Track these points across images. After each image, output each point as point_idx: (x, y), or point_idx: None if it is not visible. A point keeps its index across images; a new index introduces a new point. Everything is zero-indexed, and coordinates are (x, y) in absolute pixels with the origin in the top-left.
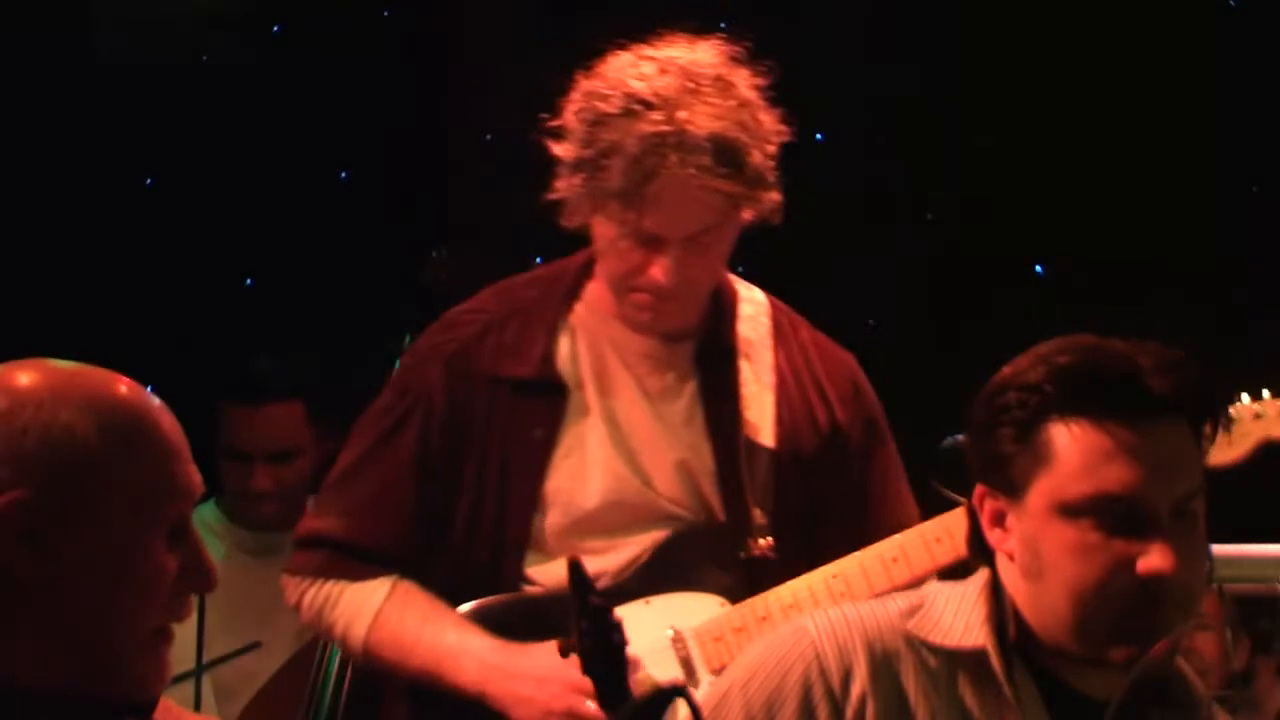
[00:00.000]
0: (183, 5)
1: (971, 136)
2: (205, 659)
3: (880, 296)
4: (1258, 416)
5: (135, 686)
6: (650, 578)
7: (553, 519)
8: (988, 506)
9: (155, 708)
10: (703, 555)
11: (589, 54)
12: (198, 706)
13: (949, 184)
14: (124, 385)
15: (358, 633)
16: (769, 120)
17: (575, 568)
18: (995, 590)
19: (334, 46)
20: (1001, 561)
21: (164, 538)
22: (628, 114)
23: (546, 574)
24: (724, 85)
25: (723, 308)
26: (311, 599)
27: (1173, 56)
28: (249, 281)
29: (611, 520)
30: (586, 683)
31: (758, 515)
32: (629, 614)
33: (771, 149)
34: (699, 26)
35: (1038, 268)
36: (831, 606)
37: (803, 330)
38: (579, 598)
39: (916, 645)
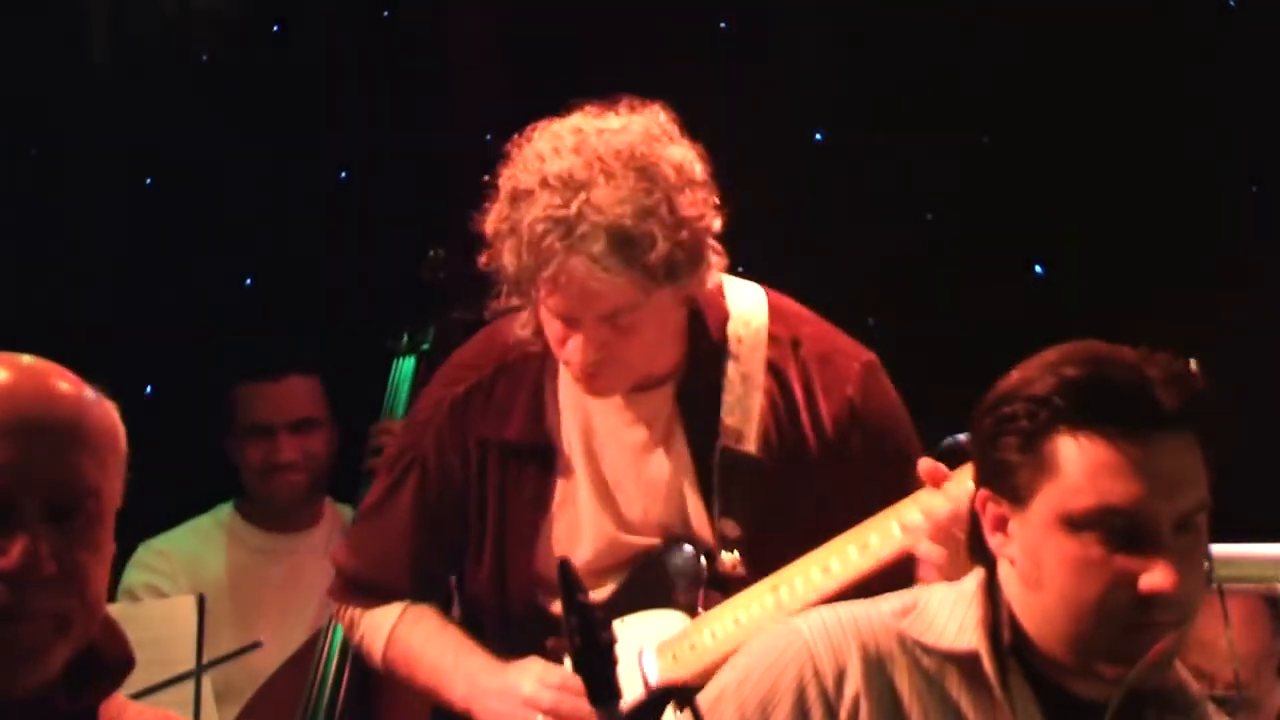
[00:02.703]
0: (183, 5)
1: (972, 136)
2: (211, 657)
3: (880, 296)
4: None
5: None
6: (628, 598)
7: (552, 571)
8: (990, 511)
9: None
10: (675, 573)
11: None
12: (197, 706)
13: (949, 184)
14: None
15: (375, 651)
16: (692, 204)
17: (564, 567)
18: (991, 593)
19: (334, 46)
20: (1002, 566)
21: None
22: (529, 193)
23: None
24: (641, 166)
25: (704, 341)
26: (342, 617)
27: (1173, 56)
28: (249, 281)
29: (603, 566)
30: (542, 698)
31: (730, 529)
32: None
33: (687, 236)
34: (648, 91)
35: (1038, 268)
36: (825, 608)
37: (806, 344)
38: (568, 596)
39: (910, 646)
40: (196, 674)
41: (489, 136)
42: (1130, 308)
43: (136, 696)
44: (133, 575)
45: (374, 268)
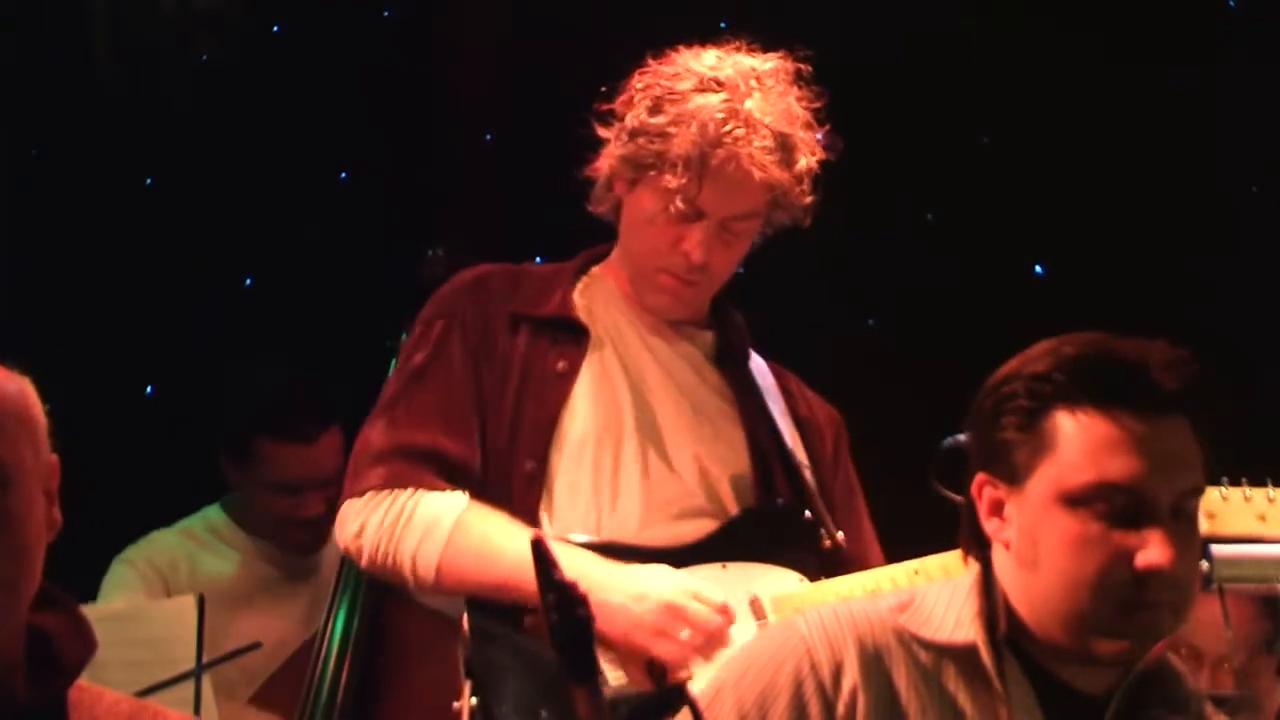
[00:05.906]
0: (183, 5)
1: (972, 136)
2: (211, 657)
3: (880, 296)
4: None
5: None
6: (727, 544)
7: (569, 447)
8: (987, 495)
9: None
10: (789, 535)
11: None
12: (198, 706)
13: (949, 184)
14: None
15: (433, 545)
16: (813, 135)
17: (537, 546)
18: (987, 586)
19: (334, 46)
20: (997, 552)
21: None
22: (700, 90)
23: (559, 518)
24: (781, 91)
25: (736, 321)
26: (382, 517)
27: (1172, 56)
28: (249, 281)
29: (621, 450)
30: (691, 606)
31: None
32: (707, 573)
33: (815, 161)
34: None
35: (1037, 268)
36: (823, 605)
37: (792, 380)
38: (543, 574)
39: (907, 640)
40: (196, 674)
41: (489, 136)
42: (1130, 308)
43: (138, 696)
44: (118, 581)
45: (373, 268)
